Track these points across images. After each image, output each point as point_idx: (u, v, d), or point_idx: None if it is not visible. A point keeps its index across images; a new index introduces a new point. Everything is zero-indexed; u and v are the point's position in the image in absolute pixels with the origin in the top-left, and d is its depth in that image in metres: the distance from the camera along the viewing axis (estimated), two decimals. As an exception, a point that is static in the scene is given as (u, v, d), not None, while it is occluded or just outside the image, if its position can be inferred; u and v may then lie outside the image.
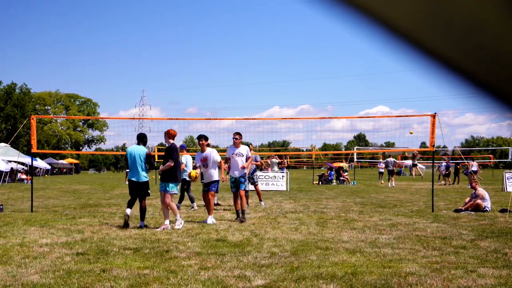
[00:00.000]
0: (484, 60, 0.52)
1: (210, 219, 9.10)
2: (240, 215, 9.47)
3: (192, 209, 11.93)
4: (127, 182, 9.32)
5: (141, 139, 8.94)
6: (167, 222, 8.45)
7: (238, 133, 9.85)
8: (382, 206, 12.93)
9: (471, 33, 0.50)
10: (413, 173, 26.55)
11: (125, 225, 8.44)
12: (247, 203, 12.60)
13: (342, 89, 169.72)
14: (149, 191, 8.86)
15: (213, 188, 9.26)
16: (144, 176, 8.67)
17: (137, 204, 8.86)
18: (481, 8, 0.47)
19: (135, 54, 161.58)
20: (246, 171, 9.78)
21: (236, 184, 9.67)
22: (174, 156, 8.53)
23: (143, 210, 8.72)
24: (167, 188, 8.50)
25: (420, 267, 5.39)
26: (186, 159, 11.90)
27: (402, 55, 0.54)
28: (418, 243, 6.96)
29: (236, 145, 9.74)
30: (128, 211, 8.52)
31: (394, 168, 25.91)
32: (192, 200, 12.13)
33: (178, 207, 11.64)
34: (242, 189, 9.60)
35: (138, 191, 8.67)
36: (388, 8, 0.50)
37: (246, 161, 9.78)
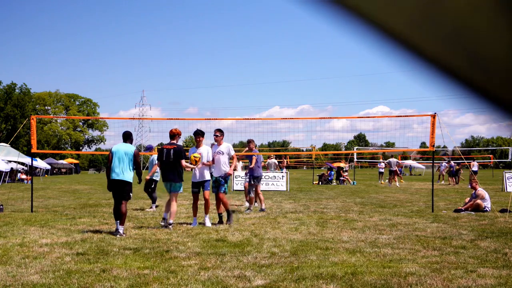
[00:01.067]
0: (479, 65, 0.52)
1: (207, 219, 9.07)
2: (220, 218, 9.02)
3: (151, 208, 11.69)
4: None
5: (128, 137, 8.25)
6: (170, 221, 8.47)
7: (219, 130, 9.21)
8: (382, 206, 12.93)
9: (466, 38, 0.50)
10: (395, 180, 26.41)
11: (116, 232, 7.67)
12: (257, 201, 12.50)
13: (342, 89, 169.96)
14: (131, 193, 7.99)
15: (209, 188, 8.94)
16: (129, 176, 7.85)
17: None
18: (475, 13, 0.47)
19: (135, 54, 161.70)
20: (230, 171, 9.08)
21: (216, 184, 9.06)
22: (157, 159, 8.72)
23: (122, 214, 7.73)
24: None
25: (420, 267, 5.39)
26: (153, 158, 12.44)
27: (398, 59, 0.54)
28: (418, 243, 6.96)
29: (217, 142, 9.21)
30: (120, 227, 7.72)
31: (396, 168, 25.88)
32: (154, 200, 11.83)
33: (152, 208, 11.68)
34: (222, 191, 8.99)
35: (120, 191, 7.81)
36: (384, 12, 0.50)
37: (230, 159, 9.29)
